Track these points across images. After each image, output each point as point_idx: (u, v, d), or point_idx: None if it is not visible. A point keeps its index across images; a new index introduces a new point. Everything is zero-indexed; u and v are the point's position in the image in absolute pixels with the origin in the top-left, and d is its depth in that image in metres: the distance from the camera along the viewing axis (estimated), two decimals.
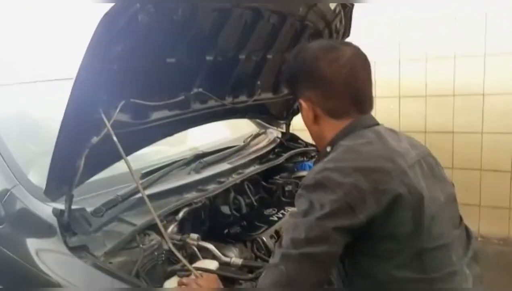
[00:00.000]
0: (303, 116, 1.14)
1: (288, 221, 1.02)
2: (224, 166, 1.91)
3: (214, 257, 1.41)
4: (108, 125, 1.22)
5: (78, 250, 1.28)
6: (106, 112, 1.24)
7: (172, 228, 1.50)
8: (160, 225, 1.20)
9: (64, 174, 1.27)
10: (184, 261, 1.18)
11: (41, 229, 1.37)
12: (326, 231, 0.90)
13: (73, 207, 1.41)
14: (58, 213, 1.34)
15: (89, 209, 1.45)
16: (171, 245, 1.21)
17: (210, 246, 1.40)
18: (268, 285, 0.94)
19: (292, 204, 1.89)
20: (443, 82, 3.23)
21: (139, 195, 1.53)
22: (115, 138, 1.22)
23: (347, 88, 1.05)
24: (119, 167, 1.43)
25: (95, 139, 1.27)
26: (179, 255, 1.20)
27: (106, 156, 1.35)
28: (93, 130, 1.25)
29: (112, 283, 1.16)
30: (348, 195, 0.91)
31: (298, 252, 0.91)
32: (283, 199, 2.01)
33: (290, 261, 0.92)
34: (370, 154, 0.99)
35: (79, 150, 1.25)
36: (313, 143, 2.49)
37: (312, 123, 1.11)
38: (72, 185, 1.31)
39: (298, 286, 0.92)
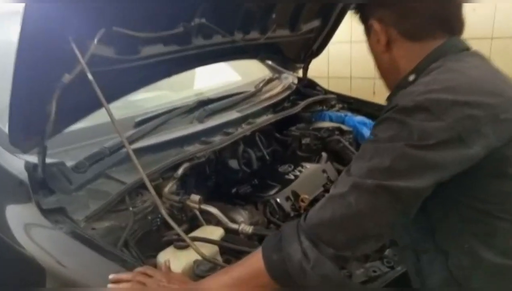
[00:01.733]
0: (371, 43, 0.92)
1: (363, 146, 0.79)
2: (232, 115, 1.65)
3: (219, 222, 1.18)
4: (81, 59, 0.95)
5: (53, 213, 1.05)
6: (78, 43, 0.96)
7: (170, 186, 1.26)
8: (148, 182, 0.96)
9: (30, 121, 1.02)
10: (179, 231, 0.95)
11: (10, 186, 1.14)
12: (421, 164, 0.70)
13: (50, 160, 1.17)
14: (30, 167, 1.10)
15: (69, 164, 1.22)
16: (161, 208, 0.98)
17: (214, 210, 1.17)
18: (327, 220, 0.74)
19: (310, 159, 1.65)
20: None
21: (132, 146, 1.29)
22: (90, 76, 0.95)
23: (431, 2, 0.82)
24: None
25: (67, 78, 1.00)
26: (172, 222, 0.97)
27: (86, 100, 1.09)
28: (63, 66, 0.98)
29: (91, 257, 0.94)
30: (459, 122, 0.71)
31: (376, 183, 0.71)
32: (299, 153, 1.75)
33: (363, 192, 0.72)
34: (480, 77, 0.78)
35: (47, 91, 0.99)
36: (333, 91, 2.23)
37: (384, 50, 0.89)
38: (44, 134, 1.06)
39: (366, 225, 0.73)
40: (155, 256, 1.05)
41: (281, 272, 0.75)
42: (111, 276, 0.86)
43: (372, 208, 0.72)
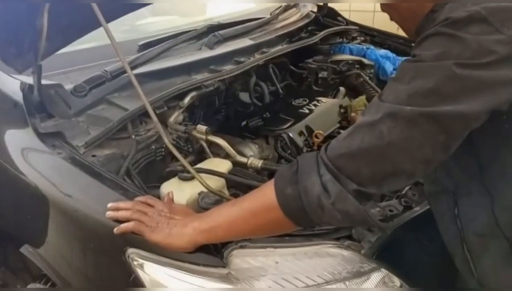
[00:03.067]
0: None
1: (402, 67, 0.65)
2: (245, 42, 1.51)
3: (227, 155, 1.11)
4: None
5: (50, 138, 0.99)
6: None
7: (175, 116, 1.18)
8: (149, 108, 0.88)
9: (20, 35, 0.92)
10: (183, 161, 0.88)
11: (4, 108, 1.07)
12: (474, 85, 0.58)
13: (47, 82, 1.09)
14: (25, 88, 1.02)
15: (68, 87, 1.13)
16: (164, 136, 0.90)
17: (222, 142, 1.09)
18: (353, 151, 0.63)
19: (326, 94, 1.55)
20: None
21: (135, 71, 1.19)
22: None
23: None
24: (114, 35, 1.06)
25: None
26: (175, 151, 0.90)
27: (83, 17, 0.97)
28: None
29: (91, 184, 0.88)
30: None
31: (417, 110, 0.59)
32: (315, 88, 1.64)
33: (399, 121, 0.60)
34: None
35: (34, 3, 0.88)
36: (355, 22, 2.05)
37: None
38: (37, 51, 0.97)
39: (398, 159, 0.62)
40: (158, 187, 1.00)
41: (296, 207, 0.66)
42: (109, 205, 0.80)
43: (408, 140, 0.61)
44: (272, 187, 0.69)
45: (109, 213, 0.79)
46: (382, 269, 0.79)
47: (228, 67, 1.38)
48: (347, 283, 0.77)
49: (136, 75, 1.03)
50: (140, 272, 0.77)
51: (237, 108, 1.52)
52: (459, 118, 0.59)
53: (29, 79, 1.05)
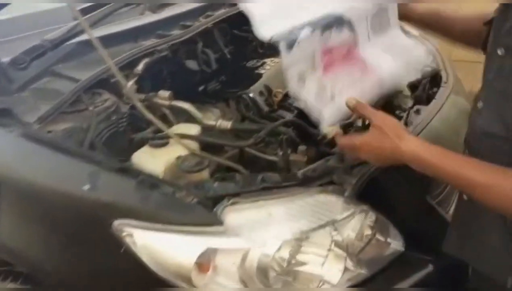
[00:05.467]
0: None
1: None
2: (188, 5, 1.45)
3: (191, 120, 1.08)
4: None
5: None
6: None
7: (131, 84, 1.11)
8: (116, 70, 0.82)
9: None
10: (161, 126, 0.84)
11: None
12: None
13: None
14: None
15: (5, 59, 1.01)
16: (137, 103, 0.85)
17: (187, 106, 1.05)
18: None
19: (273, 55, 1.55)
20: None
21: (80, 38, 1.09)
22: None
23: None
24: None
25: None
26: (151, 116, 0.85)
27: None
28: None
29: (55, 160, 0.81)
30: None
31: None
32: (261, 51, 1.63)
33: None
34: None
35: None
36: None
37: None
38: None
39: None
40: (126, 160, 0.94)
41: None
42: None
43: None
44: None
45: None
46: (365, 208, 0.84)
47: (175, 32, 1.32)
48: (335, 225, 0.81)
49: (80, 43, 0.95)
50: (131, 242, 0.73)
51: (188, 75, 1.47)
52: None
53: None
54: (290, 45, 0.80)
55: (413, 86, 1.24)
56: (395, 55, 0.96)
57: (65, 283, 0.84)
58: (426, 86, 1.23)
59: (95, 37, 1.13)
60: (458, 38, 0.94)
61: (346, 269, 0.81)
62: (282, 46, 0.80)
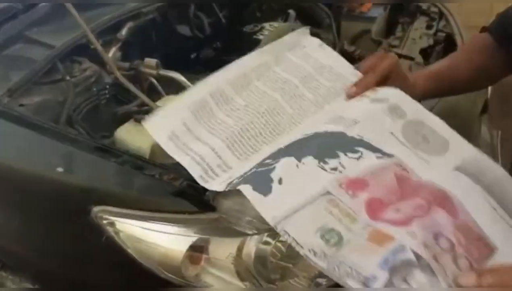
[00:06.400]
0: None
1: None
2: None
3: (181, 91, 0.98)
4: None
5: None
6: None
7: (113, 51, 1.00)
8: (94, 40, 0.71)
9: None
10: (145, 98, 0.74)
11: None
12: None
13: None
14: None
15: None
16: (117, 72, 0.75)
17: (176, 75, 0.95)
18: None
19: (272, 19, 1.43)
20: None
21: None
22: None
23: None
24: None
25: None
26: (134, 88, 0.75)
27: None
28: None
29: (27, 137, 0.71)
30: None
31: None
32: (259, 14, 1.51)
33: None
34: None
35: None
36: None
37: None
38: None
39: None
40: (108, 136, 0.85)
41: None
42: None
43: None
44: None
45: None
46: None
47: None
48: None
49: (56, 5, 0.83)
50: (112, 231, 0.65)
51: (177, 42, 1.35)
52: None
53: None
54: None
55: (425, 53, 1.14)
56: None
57: (45, 272, 0.77)
58: (440, 53, 1.13)
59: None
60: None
61: None
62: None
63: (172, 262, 0.64)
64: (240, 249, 0.66)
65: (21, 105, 0.80)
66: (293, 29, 1.31)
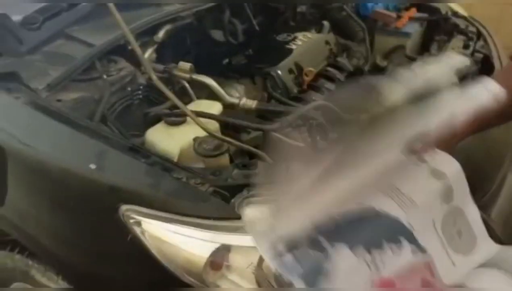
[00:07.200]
0: None
1: None
2: None
3: (212, 96, 0.99)
4: None
5: (4, 80, 0.81)
6: None
7: (149, 53, 1.02)
8: (134, 43, 0.73)
9: None
10: (178, 102, 0.76)
11: None
12: None
13: None
14: None
15: (16, 18, 0.93)
16: (153, 75, 0.76)
17: (209, 81, 0.96)
18: None
19: (304, 29, 1.43)
20: None
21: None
22: None
23: None
24: None
25: None
26: (166, 90, 0.77)
27: None
28: None
29: (63, 132, 0.74)
30: None
31: None
32: (292, 24, 1.51)
33: None
34: None
35: None
36: None
37: None
38: None
39: None
40: (139, 135, 0.87)
41: None
42: None
43: None
44: None
45: None
46: None
47: None
48: None
49: (98, 5, 0.86)
50: (138, 231, 0.66)
51: (212, 47, 1.37)
52: None
53: None
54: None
55: (462, 75, 1.11)
56: None
57: (70, 265, 0.79)
58: (476, 75, 1.10)
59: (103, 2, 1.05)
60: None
61: None
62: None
63: (194, 266, 0.64)
64: (261, 259, 0.66)
65: (59, 100, 0.83)
66: (326, 41, 1.32)
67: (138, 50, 0.74)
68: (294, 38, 1.26)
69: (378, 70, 1.34)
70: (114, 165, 0.70)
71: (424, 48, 1.46)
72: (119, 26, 0.96)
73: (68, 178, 0.72)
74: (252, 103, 0.94)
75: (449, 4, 1.59)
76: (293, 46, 1.22)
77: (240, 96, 1.05)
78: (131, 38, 0.73)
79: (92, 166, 0.67)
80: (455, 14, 1.51)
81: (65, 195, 0.73)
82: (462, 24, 1.42)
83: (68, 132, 0.74)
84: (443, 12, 1.51)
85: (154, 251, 0.66)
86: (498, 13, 2.75)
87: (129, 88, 0.93)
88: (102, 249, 0.73)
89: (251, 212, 0.67)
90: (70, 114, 0.77)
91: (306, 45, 1.24)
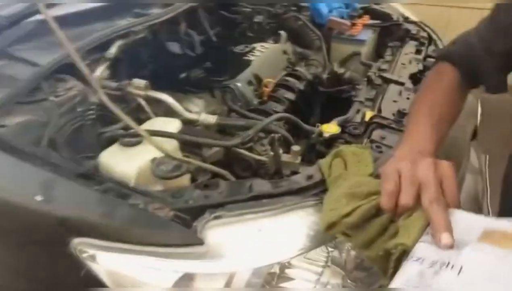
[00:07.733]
0: None
1: None
2: None
3: (171, 112, 0.95)
4: None
5: None
6: None
7: (101, 71, 0.97)
8: (78, 60, 0.68)
9: None
10: (131, 123, 0.71)
11: None
12: None
13: None
14: None
15: None
16: (102, 94, 0.72)
17: (166, 97, 0.93)
18: None
19: (262, 40, 1.42)
20: None
21: (40, 16, 0.94)
22: None
23: None
24: None
25: None
26: (118, 111, 0.72)
27: None
28: None
29: (6, 162, 0.68)
30: None
31: None
32: (250, 34, 1.50)
33: None
34: None
35: None
36: None
37: None
38: None
39: None
40: (93, 157, 0.82)
41: None
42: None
43: None
44: None
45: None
46: None
47: (155, 10, 1.17)
48: (334, 241, 0.71)
49: (42, 21, 0.80)
50: (92, 265, 0.61)
51: (167, 60, 1.33)
52: None
53: None
54: None
55: (415, 77, 1.13)
56: None
57: None
58: None
59: (56, 16, 1.00)
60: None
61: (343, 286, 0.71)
62: None
63: None
64: (228, 284, 0.63)
65: (2, 126, 0.77)
66: (284, 50, 1.31)
67: (83, 68, 0.69)
68: (252, 49, 1.24)
69: (336, 77, 1.35)
70: (62, 194, 0.65)
71: (378, 54, 1.49)
72: (61, 44, 0.91)
73: (13, 211, 0.66)
74: (212, 119, 0.92)
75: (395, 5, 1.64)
76: (252, 57, 1.20)
77: (200, 111, 1.02)
78: (75, 55, 0.68)
79: (38, 198, 0.62)
80: (406, 19, 1.56)
81: (10, 230, 0.67)
82: (413, 29, 1.46)
83: (11, 162, 0.68)
84: (395, 18, 1.55)
85: (112, 286, 0.61)
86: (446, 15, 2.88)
87: (79, 109, 0.87)
88: (54, 286, 0.67)
89: (214, 235, 0.64)
90: (13, 142, 0.71)
91: (264, 55, 1.23)
